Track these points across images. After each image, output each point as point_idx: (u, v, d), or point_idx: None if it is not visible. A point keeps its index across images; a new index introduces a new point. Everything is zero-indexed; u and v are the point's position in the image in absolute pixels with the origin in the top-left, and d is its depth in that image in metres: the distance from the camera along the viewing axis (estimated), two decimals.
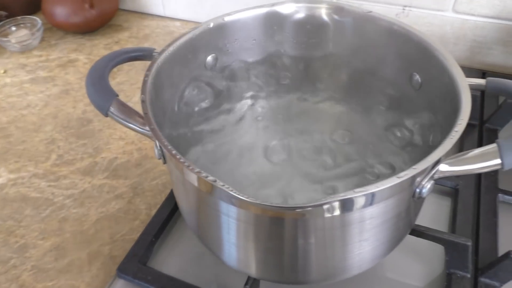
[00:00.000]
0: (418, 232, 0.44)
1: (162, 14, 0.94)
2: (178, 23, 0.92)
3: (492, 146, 0.31)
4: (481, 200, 0.50)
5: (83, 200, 0.56)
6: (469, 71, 0.69)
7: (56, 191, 0.57)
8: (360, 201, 0.29)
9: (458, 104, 0.33)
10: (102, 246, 0.51)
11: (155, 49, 0.42)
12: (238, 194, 0.29)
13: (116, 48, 0.86)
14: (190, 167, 0.29)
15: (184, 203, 0.39)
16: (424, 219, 0.49)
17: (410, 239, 0.45)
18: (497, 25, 0.67)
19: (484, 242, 0.46)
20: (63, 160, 0.61)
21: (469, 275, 0.43)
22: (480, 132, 0.59)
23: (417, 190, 0.31)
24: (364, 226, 0.33)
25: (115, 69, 0.78)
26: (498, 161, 0.30)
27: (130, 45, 0.87)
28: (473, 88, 0.36)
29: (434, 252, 0.46)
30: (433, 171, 0.31)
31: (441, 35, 0.72)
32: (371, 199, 0.29)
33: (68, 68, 0.79)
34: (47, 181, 0.58)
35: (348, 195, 0.27)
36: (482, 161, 0.31)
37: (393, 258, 0.46)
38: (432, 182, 0.31)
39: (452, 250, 0.42)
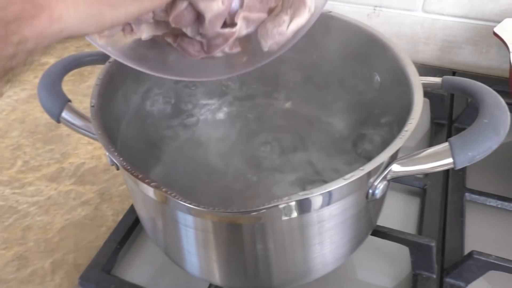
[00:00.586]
0: (382, 233, 0.43)
1: None
2: None
3: (444, 145, 0.30)
4: (448, 199, 0.50)
5: (48, 207, 0.55)
6: (440, 71, 0.70)
7: (21, 199, 0.56)
8: (309, 203, 0.28)
9: (411, 103, 0.32)
10: (67, 255, 0.49)
11: None
12: (188, 203, 0.28)
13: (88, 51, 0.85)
14: (136, 174, 0.28)
15: (141, 212, 0.38)
16: (392, 220, 0.49)
17: (378, 240, 0.45)
18: (466, 24, 0.67)
19: (450, 242, 0.45)
20: (29, 167, 0.60)
21: (434, 276, 0.42)
22: (449, 132, 0.59)
23: (370, 191, 0.31)
24: (320, 227, 0.32)
25: (85, 72, 0.77)
26: (450, 160, 0.30)
27: None
28: (429, 87, 0.36)
29: (402, 253, 0.45)
30: (386, 172, 0.30)
31: (412, 34, 0.72)
32: (323, 201, 0.29)
33: (37, 72, 0.77)
34: (11, 188, 0.57)
35: (293, 198, 0.26)
36: (435, 160, 0.30)
37: (361, 260, 0.45)
38: (385, 182, 0.31)
39: (416, 251, 0.42)
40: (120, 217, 0.51)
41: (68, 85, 0.73)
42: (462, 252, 0.45)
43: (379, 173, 0.30)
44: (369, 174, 0.30)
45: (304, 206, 0.29)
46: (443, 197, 0.50)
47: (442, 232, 0.47)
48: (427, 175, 0.53)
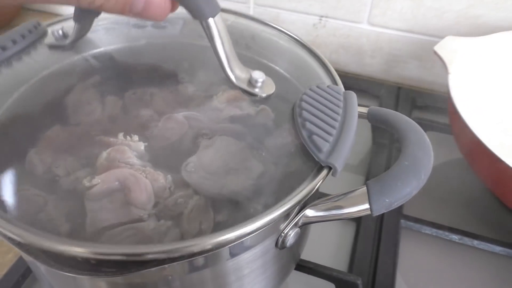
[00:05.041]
0: (308, 268, 0.40)
1: None
2: None
3: (362, 189, 0.27)
4: (383, 226, 0.48)
5: None
6: (385, 85, 0.68)
7: None
8: (194, 263, 0.25)
9: None
10: None
11: None
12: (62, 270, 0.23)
13: None
14: None
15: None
16: (327, 247, 0.47)
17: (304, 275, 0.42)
18: (411, 39, 0.66)
19: (381, 274, 0.43)
20: None
21: None
22: (390, 152, 0.57)
23: (280, 239, 0.28)
24: (228, 278, 0.29)
25: None
26: (367, 206, 0.27)
27: None
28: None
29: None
30: (297, 218, 0.27)
31: (358, 47, 0.70)
32: (211, 260, 0.25)
33: None
34: None
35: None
36: (351, 205, 0.27)
37: None
38: (296, 229, 0.28)
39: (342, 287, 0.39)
40: None
41: None
42: (393, 286, 0.42)
43: (290, 219, 0.27)
44: (277, 222, 0.26)
45: (192, 265, 0.25)
46: (378, 223, 0.48)
47: (375, 262, 0.44)
48: None
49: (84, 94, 0.34)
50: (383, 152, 0.57)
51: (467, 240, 0.47)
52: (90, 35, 0.39)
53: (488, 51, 0.54)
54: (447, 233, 0.47)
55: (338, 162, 0.26)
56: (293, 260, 0.37)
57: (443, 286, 0.44)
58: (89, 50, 0.38)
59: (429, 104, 0.64)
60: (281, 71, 0.38)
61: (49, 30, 0.39)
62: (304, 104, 0.28)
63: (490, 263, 0.46)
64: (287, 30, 0.39)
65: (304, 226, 0.29)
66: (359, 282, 0.38)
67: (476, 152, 0.45)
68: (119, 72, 0.38)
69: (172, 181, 0.27)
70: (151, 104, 0.34)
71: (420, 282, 0.44)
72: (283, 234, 0.27)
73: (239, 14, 0.41)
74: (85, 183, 0.26)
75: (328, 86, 0.30)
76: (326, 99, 0.29)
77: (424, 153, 0.28)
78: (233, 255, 0.26)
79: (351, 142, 0.27)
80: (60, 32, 0.37)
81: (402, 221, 0.48)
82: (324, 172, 0.26)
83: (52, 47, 0.37)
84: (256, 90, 0.32)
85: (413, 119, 0.58)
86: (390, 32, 0.66)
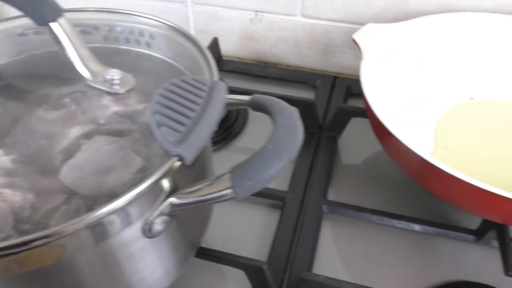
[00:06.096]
0: (216, 257, 0.41)
1: None
2: None
3: (227, 174, 0.28)
4: (306, 212, 0.49)
5: None
6: (322, 76, 0.69)
7: None
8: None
9: None
10: None
11: None
12: None
13: None
14: None
15: None
16: (251, 234, 0.48)
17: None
18: (344, 28, 0.67)
19: (299, 260, 0.44)
20: None
21: None
22: (319, 140, 0.58)
23: (146, 227, 0.28)
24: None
25: None
26: (231, 190, 0.28)
27: None
28: (239, 104, 0.34)
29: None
30: (163, 206, 0.28)
31: (296, 39, 0.71)
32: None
33: None
34: None
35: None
36: (216, 191, 0.28)
37: (204, 281, 0.43)
38: (163, 217, 0.29)
39: (250, 273, 0.40)
40: None
41: None
42: (310, 270, 0.43)
43: (154, 208, 0.28)
44: (139, 209, 0.27)
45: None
46: (301, 210, 0.49)
47: (295, 248, 0.45)
48: (290, 186, 0.51)
49: None
50: (313, 141, 0.58)
51: (387, 220, 0.48)
52: None
53: (406, 37, 0.55)
54: (368, 215, 0.48)
55: (187, 151, 0.27)
56: (191, 247, 0.37)
57: (362, 266, 0.45)
58: None
59: None
60: (180, 67, 0.40)
61: None
62: (157, 97, 0.29)
63: (409, 241, 0.47)
64: (180, 27, 0.40)
65: (164, 228, 0.30)
66: (264, 267, 0.39)
67: (387, 140, 0.45)
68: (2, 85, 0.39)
69: (35, 198, 0.28)
70: (40, 108, 0.35)
71: (340, 264, 0.45)
72: (147, 223, 0.28)
73: (107, 10, 0.41)
74: None
75: (193, 78, 0.31)
76: (186, 90, 0.30)
77: (291, 136, 0.29)
78: (98, 240, 0.27)
79: (207, 132, 0.28)
80: None
81: (324, 206, 0.49)
82: (172, 160, 0.27)
83: None
84: (115, 87, 0.33)
85: (348, 107, 0.60)
86: (323, 23, 0.67)
